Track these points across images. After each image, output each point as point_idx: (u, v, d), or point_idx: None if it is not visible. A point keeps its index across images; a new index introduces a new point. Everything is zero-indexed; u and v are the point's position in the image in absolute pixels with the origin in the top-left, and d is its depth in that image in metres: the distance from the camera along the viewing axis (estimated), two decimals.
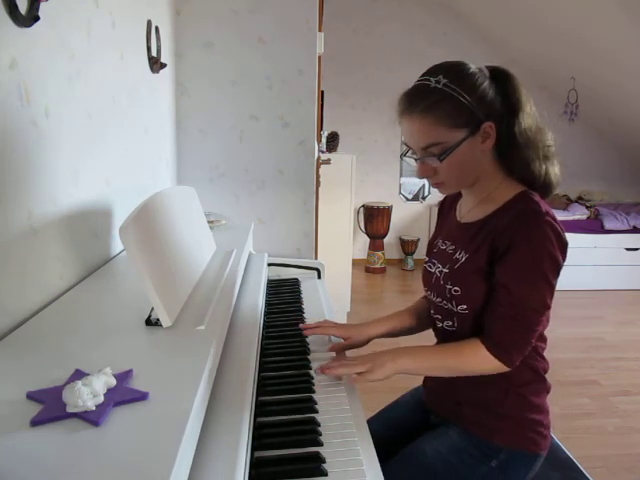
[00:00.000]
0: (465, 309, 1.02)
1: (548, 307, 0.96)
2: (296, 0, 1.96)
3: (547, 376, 1.08)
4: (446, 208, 1.22)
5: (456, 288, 1.03)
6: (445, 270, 1.07)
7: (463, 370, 1.01)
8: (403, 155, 1.10)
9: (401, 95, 1.01)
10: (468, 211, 1.10)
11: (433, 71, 0.99)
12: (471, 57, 1.03)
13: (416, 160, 1.04)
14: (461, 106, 0.95)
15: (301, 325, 1.23)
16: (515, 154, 1.01)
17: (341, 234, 3.55)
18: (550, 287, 0.95)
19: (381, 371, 0.99)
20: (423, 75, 1.00)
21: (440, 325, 1.10)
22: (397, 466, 1.05)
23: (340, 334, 1.19)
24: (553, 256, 0.93)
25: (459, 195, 1.16)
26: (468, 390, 1.05)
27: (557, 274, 0.96)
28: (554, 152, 1.05)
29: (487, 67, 1.03)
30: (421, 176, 1.04)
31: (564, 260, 0.96)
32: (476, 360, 0.98)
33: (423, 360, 1.02)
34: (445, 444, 1.06)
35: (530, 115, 1.01)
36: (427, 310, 1.18)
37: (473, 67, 1.00)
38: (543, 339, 1.06)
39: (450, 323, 1.07)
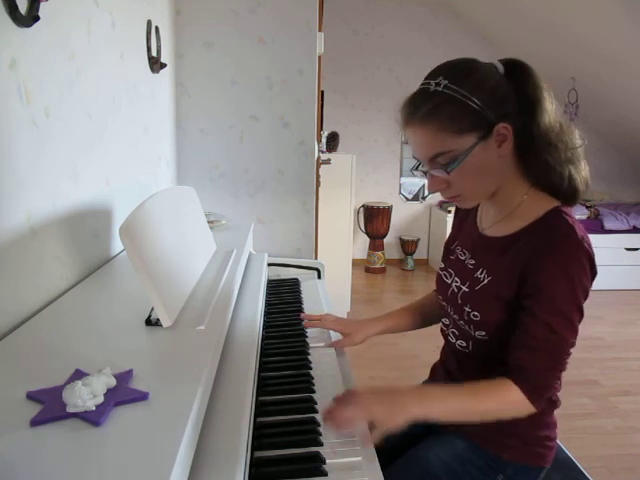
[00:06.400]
0: (484, 335, 0.96)
1: (577, 332, 0.90)
2: (296, 0, 1.96)
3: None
4: (463, 209, 1.13)
5: (475, 313, 0.96)
6: (464, 289, 1.00)
7: (498, 417, 0.90)
8: (414, 169, 1.01)
9: (403, 102, 0.92)
10: (491, 224, 1.01)
11: (434, 73, 0.90)
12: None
13: (425, 173, 0.94)
14: (466, 108, 0.86)
15: (302, 315, 1.23)
16: (536, 158, 0.92)
17: (341, 234, 3.55)
18: (581, 315, 0.89)
19: (402, 416, 0.85)
20: (425, 78, 0.92)
21: (453, 341, 1.05)
22: (399, 471, 1.01)
23: (340, 329, 1.19)
24: (586, 288, 0.88)
25: None
26: None
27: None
28: (580, 154, 0.94)
29: (502, 61, 0.93)
30: (433, 191, 0.94)
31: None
32: (511, 406, 0.89)
33: (454, 403, 0.90)
34: (450, 453, 1.02)
35: (551, 113, 0.92)
36: (434, 309, 1.15)
37: (482, 63, 0.91)
38: None
39: (465, 344, 1.02)
